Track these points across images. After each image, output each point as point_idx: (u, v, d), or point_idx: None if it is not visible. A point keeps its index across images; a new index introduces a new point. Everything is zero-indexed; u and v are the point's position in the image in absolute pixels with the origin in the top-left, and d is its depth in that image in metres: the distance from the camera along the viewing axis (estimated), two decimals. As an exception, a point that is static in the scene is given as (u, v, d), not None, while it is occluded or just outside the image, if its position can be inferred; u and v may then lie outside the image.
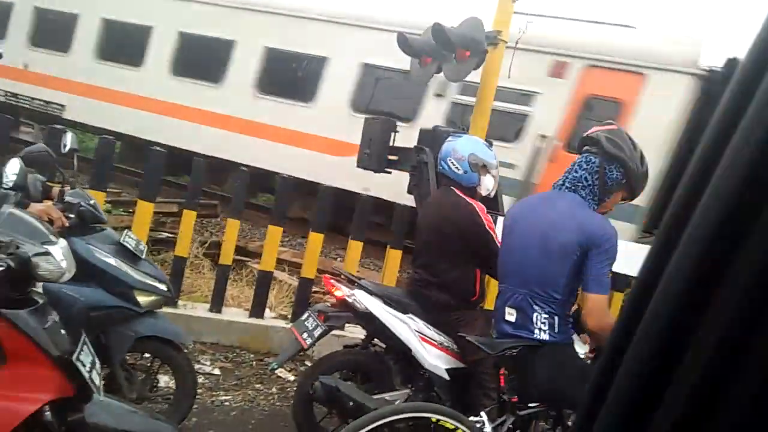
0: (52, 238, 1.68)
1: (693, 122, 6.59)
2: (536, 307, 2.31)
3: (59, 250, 1.66)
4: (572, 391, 2.25)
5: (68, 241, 1.83)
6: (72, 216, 2.34)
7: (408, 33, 4.73)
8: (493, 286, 4.21)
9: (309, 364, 3.87)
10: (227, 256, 4.33)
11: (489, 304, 4.39)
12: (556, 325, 2.30)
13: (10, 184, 2.08)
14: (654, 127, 6.28)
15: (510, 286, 2.41)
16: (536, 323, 2.32)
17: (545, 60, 7.21)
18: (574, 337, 2.49)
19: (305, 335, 2.81)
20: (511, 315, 2.38)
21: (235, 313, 4.38)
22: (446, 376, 2.84)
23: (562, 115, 7.14)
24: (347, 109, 8.42)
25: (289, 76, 9.16)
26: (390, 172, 5.13)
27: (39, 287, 1.87)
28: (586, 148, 2.37)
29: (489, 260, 2.91)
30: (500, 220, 3.68)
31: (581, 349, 2.48)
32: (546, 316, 2.30)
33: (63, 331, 1.68)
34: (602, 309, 2.22)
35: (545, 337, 2.30)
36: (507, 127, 7.28)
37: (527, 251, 2.35)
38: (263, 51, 9.06)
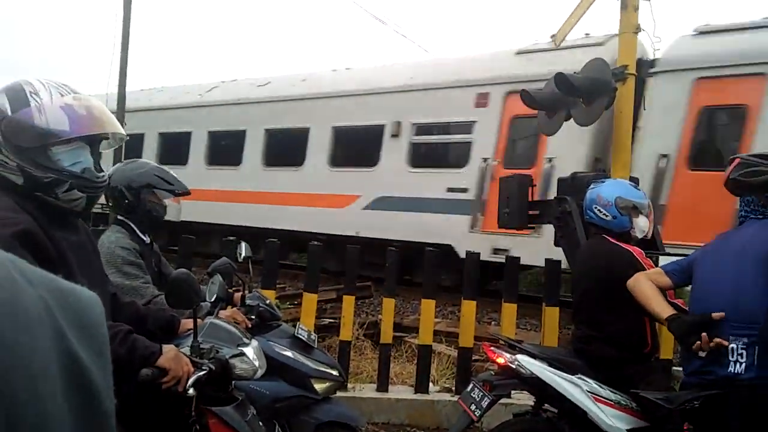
0: (246, 340, 1.93)
1: None
2: (731, 336, 2.10)
3: (251, 350, 1.90)
4: None
5: None
6: (253, 317, 2.62)
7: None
8: (666, 335, 3.90)
9: (481, 436, 3.80)
10: (387, 335, 4.49)
11: (665, 353, 4.05)
12: (756, 356, 2.04)
13: (213, 298, 2.41)
14: None
15: None
16: (731, 354, 2.08)
17: None
18: None
19: (473, 407, 2.81)
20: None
21: (401, 391, 4.47)
22: (630, 438, 2.65)
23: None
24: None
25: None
26: (533, 228, 5.06)
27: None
28: None
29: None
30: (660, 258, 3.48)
31: None
32: (743, 346, 2.07)
33: (260, 423, 1.89)
34: None
35: (740, 370, 2.05)
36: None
37: (718, 277, 2.21)
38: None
